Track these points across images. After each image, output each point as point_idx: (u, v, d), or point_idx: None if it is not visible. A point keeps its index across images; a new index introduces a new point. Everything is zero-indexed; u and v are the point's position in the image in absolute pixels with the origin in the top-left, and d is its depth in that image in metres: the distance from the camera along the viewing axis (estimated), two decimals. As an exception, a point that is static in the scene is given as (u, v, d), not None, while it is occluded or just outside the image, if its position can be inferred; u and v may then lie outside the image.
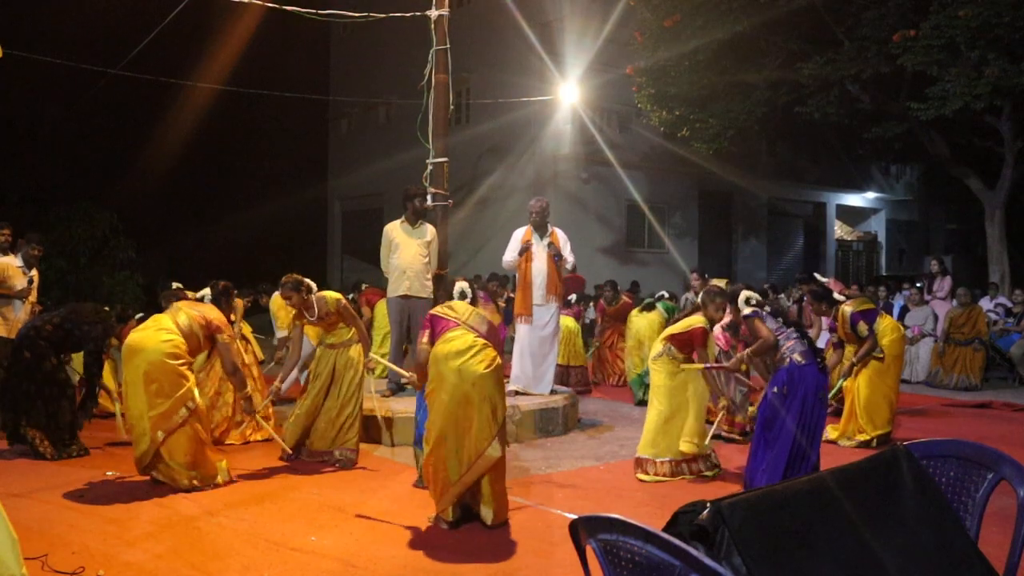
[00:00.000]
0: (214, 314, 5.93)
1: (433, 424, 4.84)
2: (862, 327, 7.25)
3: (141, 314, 8.06)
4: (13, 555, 3.19)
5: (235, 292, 6.17)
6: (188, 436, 5.59)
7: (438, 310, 5.16)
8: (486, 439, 4.74)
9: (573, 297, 11.13)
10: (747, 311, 5.74)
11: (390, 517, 5.10)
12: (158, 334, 5.64)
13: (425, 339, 5.04)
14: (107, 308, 7.27)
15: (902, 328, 7.84)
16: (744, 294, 5.89)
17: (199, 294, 6.09)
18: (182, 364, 5.63)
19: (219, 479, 5.76)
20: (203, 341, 5.84)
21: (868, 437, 7.27)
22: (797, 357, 5.44)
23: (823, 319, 9.07)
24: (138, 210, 22.24)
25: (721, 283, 9.38)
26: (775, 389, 5.45)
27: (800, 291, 8.66)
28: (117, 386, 7.36)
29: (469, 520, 4.90)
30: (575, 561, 2.35)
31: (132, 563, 4.24)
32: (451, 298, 5.35)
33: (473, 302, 5.36)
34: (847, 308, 7.40)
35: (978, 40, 12.97)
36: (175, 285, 7.83)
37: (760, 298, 5.94)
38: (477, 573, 4.19)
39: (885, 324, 7.60)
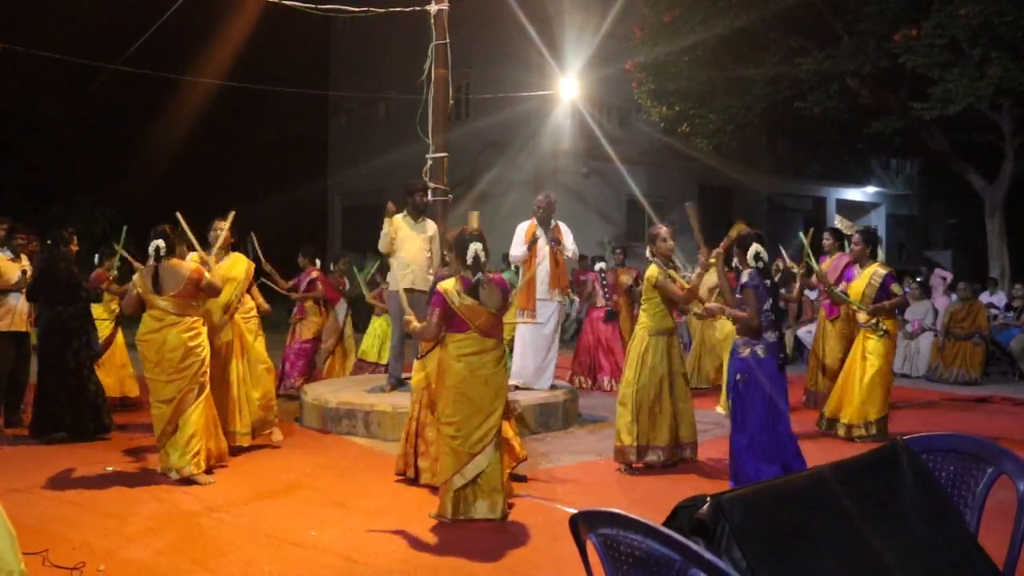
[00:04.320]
0: (185, 270, 5.90)
1: (450, 421, 4.90)
2: (896, 287, 7.29)
3: (115, 271, 8.15)
4: (12, 551, 3.19)
5: (181, 228, 6.24)
6: (198, 415, 5.76)
7: (451, 296, 4.91)
8: (490, 435, 4.89)
9: (603, 264, 10.54)
10: (746, 279, 5.43)
11: (391, 512, 5.11)
12: (175, 326, 5.81)
13: (435, 318, 4.93)
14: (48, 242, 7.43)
15: (896, 319, 7.86)
16: (755, 248, 5.44)
17: (151, 247, 6.01)
18: (198, 346, 5.85)
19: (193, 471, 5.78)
20: (197, 293, 5.95)
21: (870, 419, 7.23)
22: (759, 350, 5.38)
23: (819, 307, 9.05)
24: (138, 206, 22.20)
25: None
26: (737, 376, 5.45)
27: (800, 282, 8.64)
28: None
29: (470, 515, 4.91)
30: (575, 556, 2.35)
31: (132, 559, 4.24)
32: (463, 259, 5.01)
33: (485, 264, 5.09)
34: (882, 269, 7.38)
35: (980, 38, 12.92)
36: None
37: (766, 260, 5.50)
38: (477, 568, 4.20)
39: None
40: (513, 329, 8.12)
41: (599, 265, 10.50)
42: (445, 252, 6.23)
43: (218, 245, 6.65)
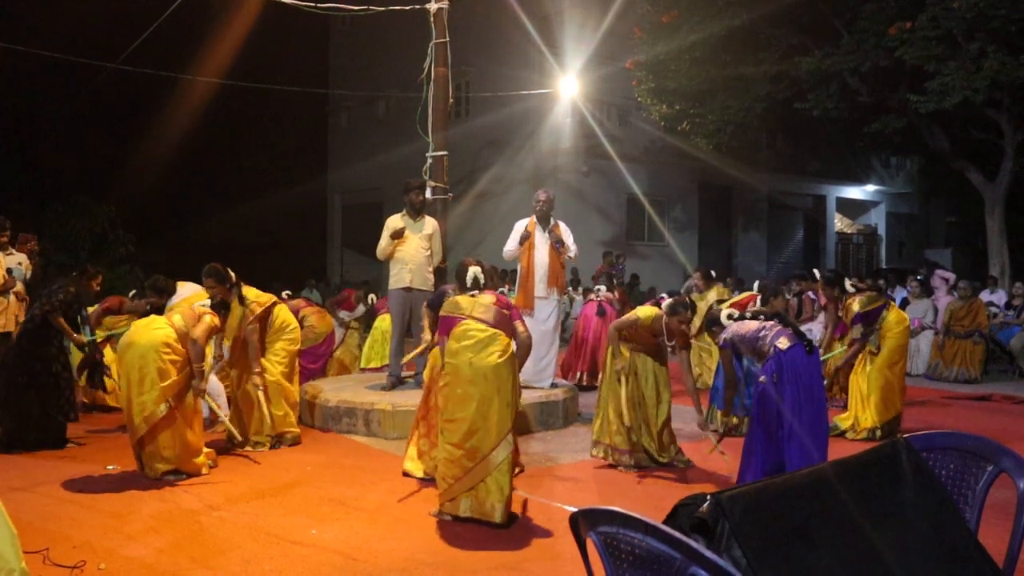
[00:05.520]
0: (197, 310, 5.97)
1: (455, 418, 4.82)
2: (856, 330, 7.53)
3: (134, 291, 8.07)
4: (13, 549, 3.19)
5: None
6: (171, 430, 5.69)
7: (446, 310, 5.14)
8: (500, 434, 4.76)
9: (602, 287, 10.75)
10: (722, 340, 5.75)
11: (391, 510, 5.11)
12: (151, 323, 5.83)
13: (437, 338, 5.20)
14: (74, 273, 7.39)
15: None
16: (725, 312, 5.91)
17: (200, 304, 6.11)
18: (170, 358, 5.71)
19: (203, 471, 5.85)
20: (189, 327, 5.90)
21: (874, 424, 7.33)
22: (781, 342, 5.35)
23: (822, 313, 9.13)
24: (137, 204, 22.20)
25: (712, 292, 9.52)
26: (763, 378, 5.39)
27: (799, 286, 8.87)
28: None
29: (470, 514, 4.89)
30: (576, 554, 2.35)
31: (133, 557, 4.24)
32: (464, 284, 5.27)
33: (485, 285, 5.30)
34: (854, 306, 7.58)
35: (976, 32, 12.95)
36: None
37: (737, 312, 5.91)
38: (478, 566, 4.20)
39: (892, 316, 7.63)
40: None
41: (598, 287, 10.80)
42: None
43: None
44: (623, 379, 6.05)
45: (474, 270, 5.25)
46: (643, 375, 6.20)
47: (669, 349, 6.25)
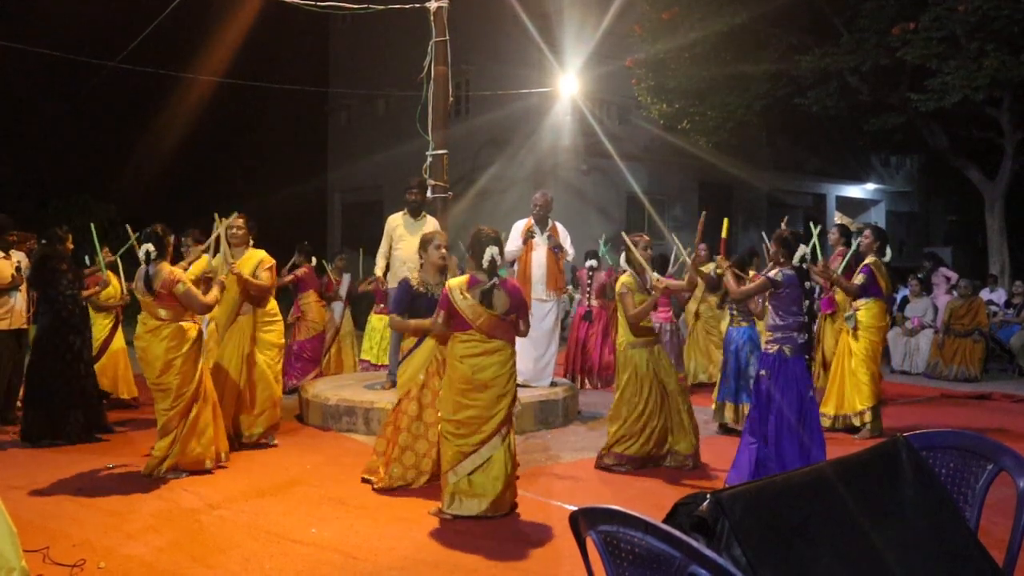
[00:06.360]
0: (164, 273, 5.78)
1: (451, 418, 4.95)
2: (860, 277, 7.45)
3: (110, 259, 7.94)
4: (12, 548, 3.20)
5: (170, 233, 6.07)
6: (190, 433, 5.77)
7: (456, 296, 4.94)
8: (487, 436, 4.90)
9: (593, 262, 10.29)
10: (774, 272, 5.50)
11: (391, 509, 5.11)
12: (159, 333, 5.78)
13: (440, 319, 5.04)
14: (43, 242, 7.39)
15: (888, 319, 7.98)
16: (802, 251, 5.50)
17: (140, 252, 5.85)
18: (182, 364, 5.75)
19: (207, 464, 5.87)
20: (174, 302, 5.81)
21: (864, 407, 7.39)
22: (787, 349, 5.43)
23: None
24: (137, 202, 22.24)
25: (712, 263, 9.51)
26: (762, 372, 5.50)
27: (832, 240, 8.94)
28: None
29: (463, 511, 4.91)
30: (575, 552, 2.35)
31: (133, 556, 4.25)
32: (479, 261, 4.99)
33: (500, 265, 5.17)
34: (870, 262, 7.54)
35: (977, 32, 12.95)
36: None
37: (809, 259, 5.58)
38: (478, 564, 4.20)
39: (878, 308, 7.62)
40: None
41: (589, 263, 10.35)
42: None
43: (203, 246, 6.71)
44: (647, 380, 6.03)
45: (491, 251, 4.93)
46: (665, 369, 6.13)
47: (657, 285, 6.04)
